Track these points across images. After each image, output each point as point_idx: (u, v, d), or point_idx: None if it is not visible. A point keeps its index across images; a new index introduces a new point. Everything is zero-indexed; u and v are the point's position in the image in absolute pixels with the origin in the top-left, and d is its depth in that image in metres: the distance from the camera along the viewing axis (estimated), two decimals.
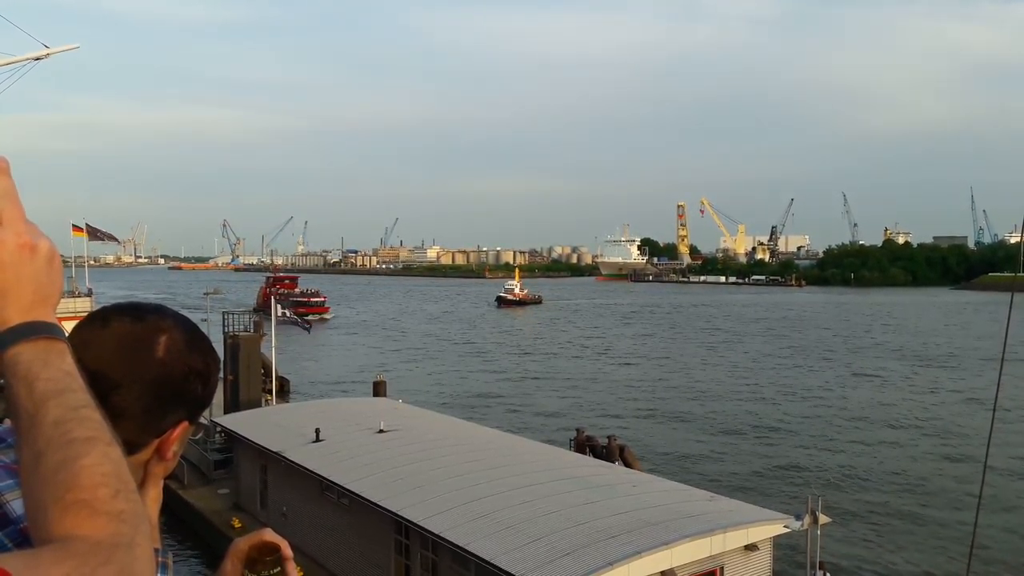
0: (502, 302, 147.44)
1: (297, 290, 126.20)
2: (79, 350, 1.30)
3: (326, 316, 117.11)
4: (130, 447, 1.31)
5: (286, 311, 51.27)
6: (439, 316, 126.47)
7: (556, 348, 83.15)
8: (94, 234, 45.65)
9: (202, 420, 1.50)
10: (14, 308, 1.05)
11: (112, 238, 49.29)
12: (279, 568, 1.47)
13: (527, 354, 77.94)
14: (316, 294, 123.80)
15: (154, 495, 1.37)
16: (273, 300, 45.81)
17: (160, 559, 1.18)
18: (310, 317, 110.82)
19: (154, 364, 1.35)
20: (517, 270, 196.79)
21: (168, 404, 1.36)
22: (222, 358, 39.67)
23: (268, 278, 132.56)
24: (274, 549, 1.47)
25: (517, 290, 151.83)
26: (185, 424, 1.40)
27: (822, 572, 18.60)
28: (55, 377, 1.04)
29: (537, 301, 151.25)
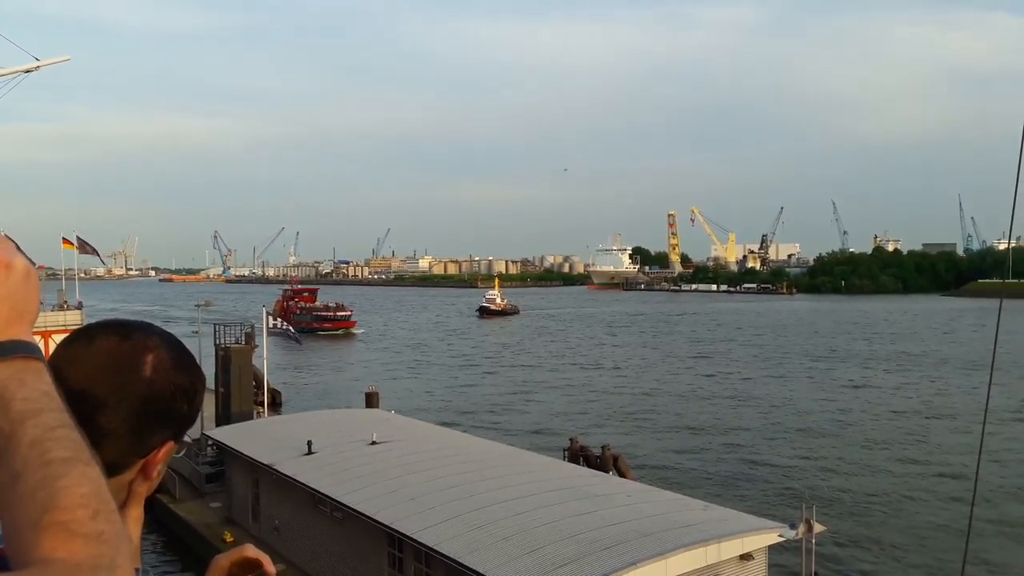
0: (484, 312, 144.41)
1: (318, 303, 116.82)
2: (64, 368, 1.28)
3: (354, 331, 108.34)
4: (115, 467, 1.29)
5: (277, 323, 50.90)
6: (429, 327, 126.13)
7: (545, 358, 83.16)
8: (83, 247, 45.44)
9: (185, 437, 1.49)
10: None
11: (96, 253, 49.05)
12: None
13: (516, 364, 77.90)
14: (341, 307, 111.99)
15: (136, 515, 1.36)
16: (264, 313, 45.46)
17: None
18: (337, 332, 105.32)
19: (140, 383, 1.34)
20: (497, 279, 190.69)
21: (154, 423, 1.35)
22: (214, 370, 39.57)
23: (285, 291, 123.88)
24: (256, 565, 1.45)
25: (499, 300, 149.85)
26: (171, 443, 1.38)
27: None
28: (32, 397, 1.02)
29: (515, 311, 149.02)
